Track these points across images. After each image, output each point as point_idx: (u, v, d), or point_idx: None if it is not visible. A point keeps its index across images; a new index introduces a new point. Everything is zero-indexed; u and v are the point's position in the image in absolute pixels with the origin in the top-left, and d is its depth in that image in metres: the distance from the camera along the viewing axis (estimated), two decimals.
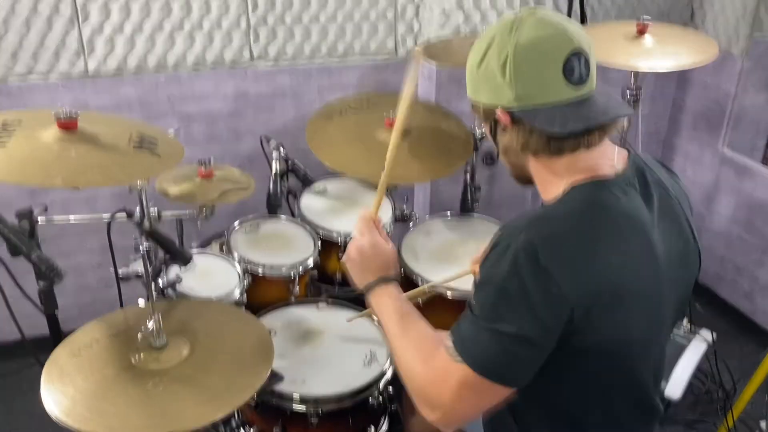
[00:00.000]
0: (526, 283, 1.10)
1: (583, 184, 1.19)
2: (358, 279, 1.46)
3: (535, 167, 1.26)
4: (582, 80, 1.17)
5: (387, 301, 1.40)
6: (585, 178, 1.20)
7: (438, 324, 1.37)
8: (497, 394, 1.19)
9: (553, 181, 1.23)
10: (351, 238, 1.51)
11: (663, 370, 1.39)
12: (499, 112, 1.21)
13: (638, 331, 1.23)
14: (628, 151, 1.28)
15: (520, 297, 1.11)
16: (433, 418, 1.24)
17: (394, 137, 1.55)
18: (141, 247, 1.58)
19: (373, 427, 1.84)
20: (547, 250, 1.11)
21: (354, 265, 1.47)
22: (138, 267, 1.77)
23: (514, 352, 1.14)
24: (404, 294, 1.46)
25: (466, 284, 1.64)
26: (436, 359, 1.22)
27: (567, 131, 1.15)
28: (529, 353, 1.15)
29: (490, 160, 2.45)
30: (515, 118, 1.20)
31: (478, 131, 2.52)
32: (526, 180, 1.32)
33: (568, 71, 1.15)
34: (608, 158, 1.23)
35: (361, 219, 1.51)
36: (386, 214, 2.39)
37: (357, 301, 2.07)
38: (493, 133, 1.27)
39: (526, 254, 1.11)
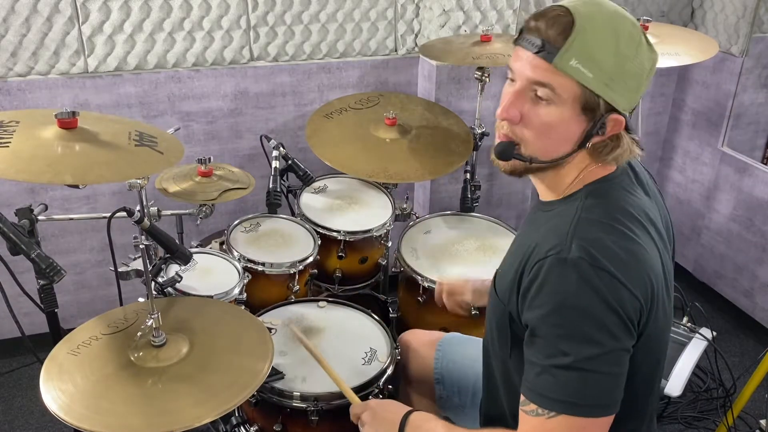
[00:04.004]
0: (600, 289, 1.04)
1: (596, 183, 1.19)
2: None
3: (572, 166, 1.20)
4: None
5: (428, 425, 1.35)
6: (595, 177, 1.20)
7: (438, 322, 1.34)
8: (604, 427, 1.11)
9: (568, 174, 1.21)
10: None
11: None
12: (615, 117, 1.12)
13: (667, 320, 1.21)
14: None
15: (600, 307, 1.04)
16: None
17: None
18: (141, 246, 1.57)
19: None
20: (604, 253, 1.07)
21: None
22: (138, 265, 1.78)
23: (609, 372, 1.06)
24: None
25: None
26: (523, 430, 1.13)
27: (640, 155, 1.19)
28: (624, 365, 1.08)
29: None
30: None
31: (477, 130, 2.53)
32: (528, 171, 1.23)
33: None
34: None
35: (354, 414, 1.50)
36: (386, 211, 2.40)
37: (357, 300, 2.08)
38: (587, 134, 1.13)
39: (590, 260, 1.05)
